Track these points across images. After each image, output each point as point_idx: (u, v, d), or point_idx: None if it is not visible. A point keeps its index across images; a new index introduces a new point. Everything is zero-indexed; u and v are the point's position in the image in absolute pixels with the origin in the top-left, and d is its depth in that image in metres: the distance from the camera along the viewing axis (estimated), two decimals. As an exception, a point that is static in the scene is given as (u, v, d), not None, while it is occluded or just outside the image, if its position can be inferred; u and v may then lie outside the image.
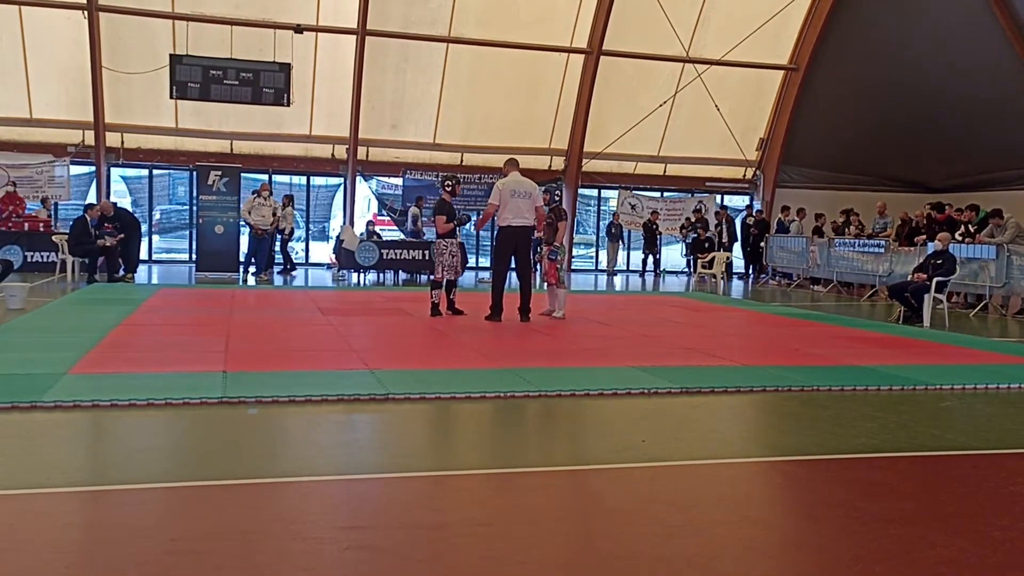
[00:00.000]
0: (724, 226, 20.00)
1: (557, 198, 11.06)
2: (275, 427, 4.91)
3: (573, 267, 20.96)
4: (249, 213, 15.45)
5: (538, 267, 13.01)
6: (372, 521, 3.39)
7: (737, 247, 20.56)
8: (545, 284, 10.65)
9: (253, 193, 15.83)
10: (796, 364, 7.31)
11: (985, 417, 5.73)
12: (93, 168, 18.35)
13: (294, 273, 17.09)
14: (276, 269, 16.79)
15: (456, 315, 9.97)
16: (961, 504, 3.78)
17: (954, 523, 3.50)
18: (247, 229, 15.82)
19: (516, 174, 9.68)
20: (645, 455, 4.48)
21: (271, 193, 16.23)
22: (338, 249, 16.28)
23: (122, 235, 14.22)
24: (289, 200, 17.23)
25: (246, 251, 15.89)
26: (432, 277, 10.12)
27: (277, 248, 16.81)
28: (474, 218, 16.51)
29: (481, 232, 19.80)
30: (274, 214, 15.87)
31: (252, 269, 15.80)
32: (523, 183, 9.63)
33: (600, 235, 22.07)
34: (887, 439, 4.95)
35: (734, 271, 20.37)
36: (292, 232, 17.58)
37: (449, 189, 10.08)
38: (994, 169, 17.81)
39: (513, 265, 9.75)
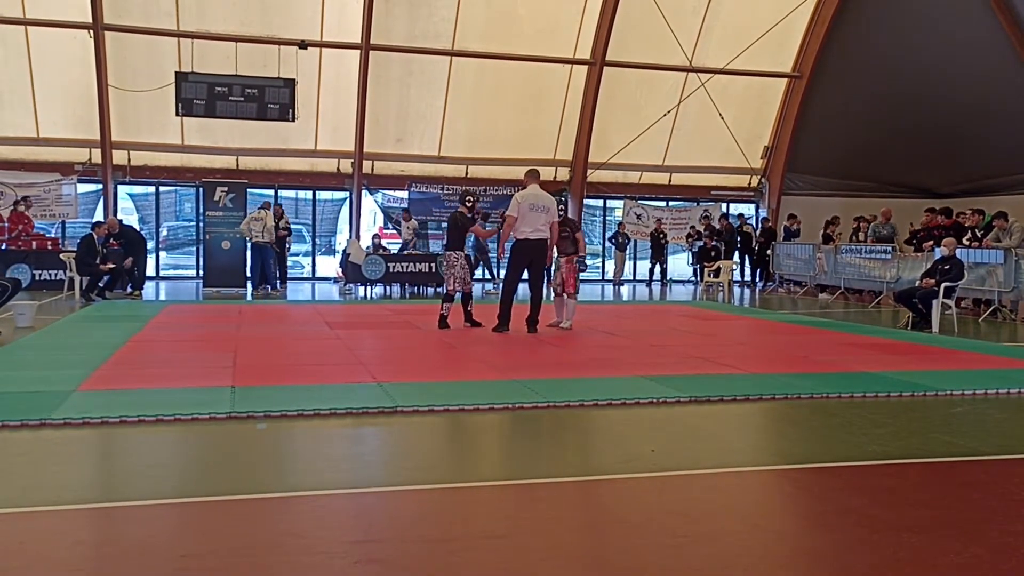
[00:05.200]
0: (724, 234, 19.94)
1: (562, 211, 11.08)
2: (284, 441, 4.91)
3: (580, 278, 20.88)
4: (265, 227, 15.51)
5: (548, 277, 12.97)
6: (382, 535, 3.38)
7: (736, 255, 20.46)
8: (552, 295, 10.64)
9: (261, 209, 15.89)
10: (805, 372, 7.29)
11: (997, 422, 5.70)
12: (100, 186, 18.43)
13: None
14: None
15: (474, 327, 9.94)
16: (974, 510, 3.75)
17: (968, 529, 3.48)
18: (256, 243, 15.83)
19: (535, 187, 9.63)
20: (654, 465, 4.46)
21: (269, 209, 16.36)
22: (344, 263, 16.31)
23: (130, 258, 14.29)
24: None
25: (268, 265, 15.83)
26: (445, 290, 10.16)
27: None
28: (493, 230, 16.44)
29: (488, 243, 19.66)
30: (278, 227, 15.97)
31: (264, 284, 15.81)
32: (541, 196, 9.60)
33: (605, 245, 22.04)
34: (898, 446, 4.92)
35: (733, 280, 20.26)
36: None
37: (469, 204, 10.13)
38: (999, 174, 17.77)
39: (525, 277, 9.73)
